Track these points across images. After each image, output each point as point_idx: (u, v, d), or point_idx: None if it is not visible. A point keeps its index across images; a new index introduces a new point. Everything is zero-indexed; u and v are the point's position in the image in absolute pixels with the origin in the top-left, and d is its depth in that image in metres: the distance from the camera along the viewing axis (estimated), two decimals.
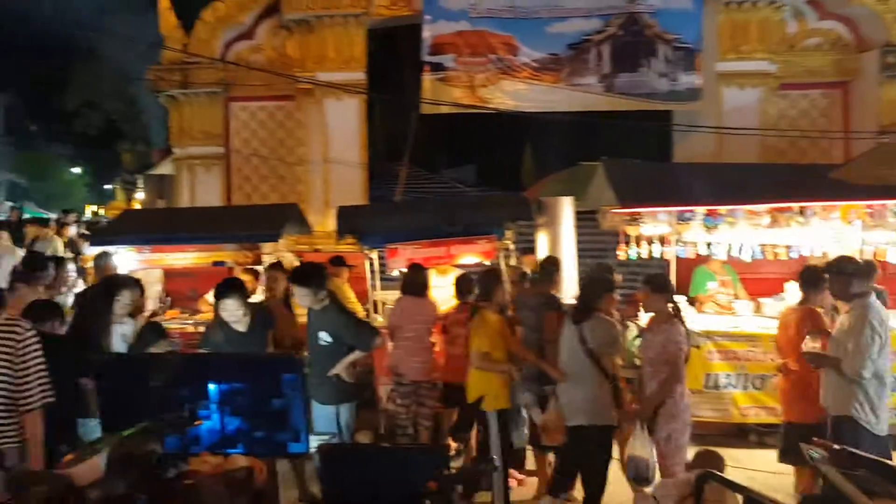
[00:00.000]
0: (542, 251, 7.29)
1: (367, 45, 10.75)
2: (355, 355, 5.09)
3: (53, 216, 23.48)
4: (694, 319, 6.92)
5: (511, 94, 10.33)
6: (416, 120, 11.08)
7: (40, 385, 3.35)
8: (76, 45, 25.65)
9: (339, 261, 7.42)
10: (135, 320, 5.53)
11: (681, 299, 7.21)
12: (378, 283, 8.04)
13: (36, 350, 3.37)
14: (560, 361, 5.09)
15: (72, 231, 12.65)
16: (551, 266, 6.12)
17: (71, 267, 7.78)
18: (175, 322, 7.48)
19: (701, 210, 6.84)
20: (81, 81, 26.47)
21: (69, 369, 3.97)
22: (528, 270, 6.88)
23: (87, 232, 13.52)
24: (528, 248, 7.65)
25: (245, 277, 6.73)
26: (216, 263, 7.80)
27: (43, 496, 2.52)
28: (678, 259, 7.49)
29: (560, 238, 7.21)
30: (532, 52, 10.32)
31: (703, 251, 7.42)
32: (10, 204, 27.81)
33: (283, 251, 8.21)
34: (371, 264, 7.85)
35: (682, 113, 10.57)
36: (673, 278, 7.12)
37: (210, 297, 7.50)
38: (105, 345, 4.96)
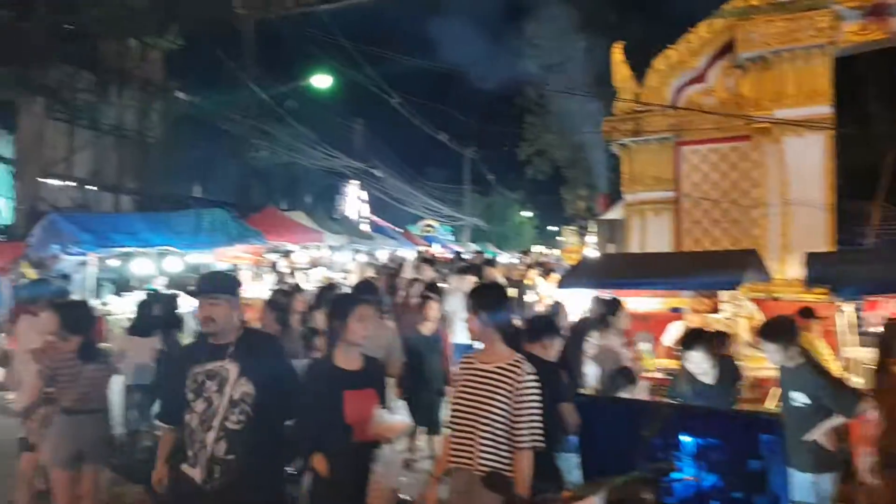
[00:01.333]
0: None
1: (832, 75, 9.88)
2: (836, 420, 4.62)
3: (508, 256, 26.13)
4: None
5: None
6: (893, 153, 9.78)
7: (532, 427, 3.52)
8: (529, 101, 28.31)
9: (808, 313, 6.84)
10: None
11: None
12: (853, 338, 7.21)
13: (533, 393, 3.54)
14: None
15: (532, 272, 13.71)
16: None
17: None
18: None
19: None
20: (533, 133, 28.90)
21: (553, 397, 4.18)
22: None
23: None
24: None
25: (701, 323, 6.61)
26: (673, 310, 7.81)
27: None
28: None
29: None
30: None
31: None
32: (474, 246, 31.79)
33: (740, 299, 7.89)
34: (845, 317, 7.07)
35: None
36: None
37: (664, 341, 7.56)
38: (579, 384, 5.26)
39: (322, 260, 19.78)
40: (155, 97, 22.30)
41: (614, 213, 13.13)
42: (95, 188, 20.57)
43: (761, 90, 10.20)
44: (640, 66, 11.36)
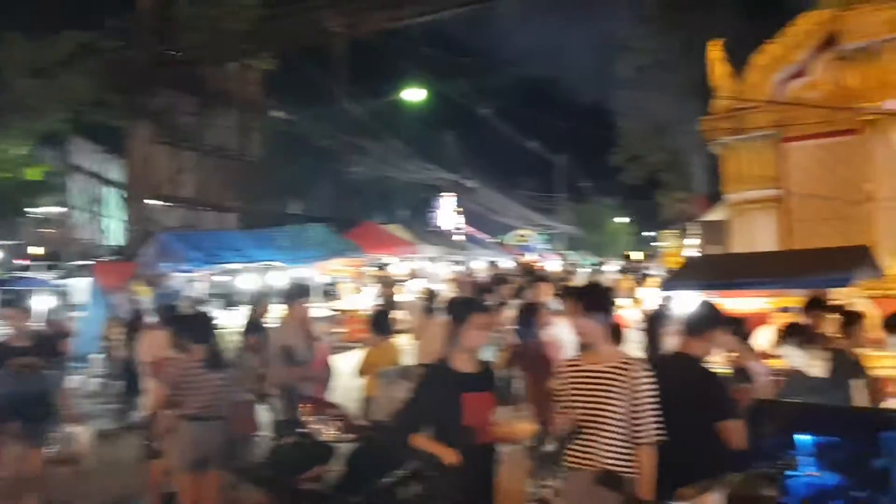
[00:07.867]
0: None
1: None
2: None
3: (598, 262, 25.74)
4: None
5: None
6: None
7: (654, 422, 3.55)
8: (621, 106, 27.93)
9: None
10: None
11: None
12: None
13: (649, 389, 3.56)
14: None
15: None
16: None
17: None
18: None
19: None
20: (627, 138, 28.44)
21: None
22: None
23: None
24: None
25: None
26: (781, 309, 7.58)
27: None
28: None
29: None
30: None
31: None
32: (572, 254, 31.59)
33: (852, 297, 7.58)
34: None
35: None
36: None
37: (758, 341, 7.35)
38: None
39: (421, 271, 20.05)
40: (253, 117, 23.16)
41: (716, 215, 12.79)
42: (200, 208, 21.51)
43: (868, 81, 9.76)
44: (736, 63, 11.09)
